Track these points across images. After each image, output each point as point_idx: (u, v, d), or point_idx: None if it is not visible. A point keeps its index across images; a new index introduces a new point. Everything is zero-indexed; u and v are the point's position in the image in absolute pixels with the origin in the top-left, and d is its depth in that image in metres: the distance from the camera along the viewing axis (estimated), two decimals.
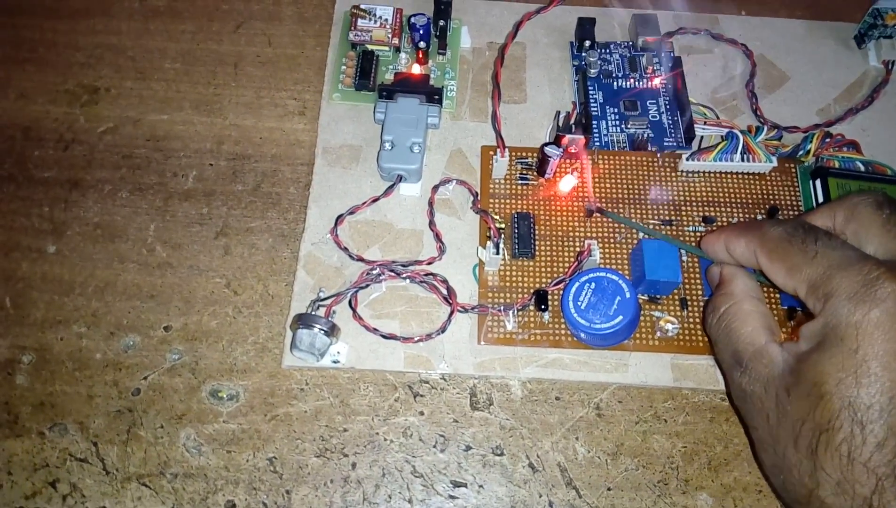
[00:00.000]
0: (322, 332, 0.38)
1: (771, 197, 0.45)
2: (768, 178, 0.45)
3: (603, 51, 0.50)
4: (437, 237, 0.43)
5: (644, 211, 0.44)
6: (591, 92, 0.48)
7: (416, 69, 0.48)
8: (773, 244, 0.31)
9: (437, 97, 0.46)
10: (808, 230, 0.31)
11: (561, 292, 0.40)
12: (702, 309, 0.41)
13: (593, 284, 0.39)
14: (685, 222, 0.44)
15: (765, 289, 0.40)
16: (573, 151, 0.44)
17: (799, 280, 0.30)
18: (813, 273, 0.29)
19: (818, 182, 0.44)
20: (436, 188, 0.45)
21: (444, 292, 0.41)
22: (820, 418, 0.27)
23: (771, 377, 0.30)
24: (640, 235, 0.43)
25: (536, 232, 0.43)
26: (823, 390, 0.27)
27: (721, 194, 0.45)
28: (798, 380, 0.28)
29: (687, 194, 0.45)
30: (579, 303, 0.39)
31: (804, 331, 0.29)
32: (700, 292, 0.42)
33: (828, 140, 0.46)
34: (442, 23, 0.48)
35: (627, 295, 0.39)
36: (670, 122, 0.47)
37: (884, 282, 0.26)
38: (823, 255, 0.29)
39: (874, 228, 0.30)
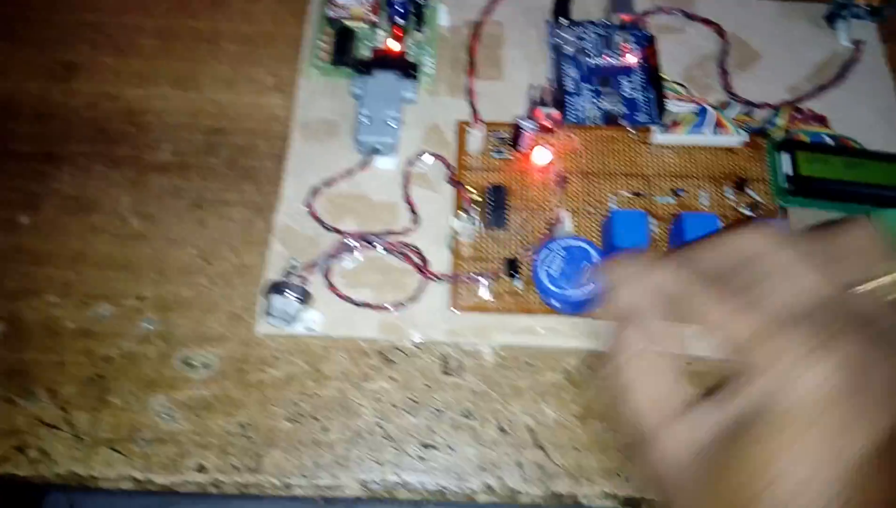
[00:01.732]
0: (295, 298, 0.38)
1: (740, 170, 0.45)
2: (738, 152, 0.46)
3: (579, 29, 0.50)
4: (412, 209, 0.44)
5: (616, 184, 0.45)
6: (566, 69, 0.49)
7: (394, 46, 0.48)
8: (706, 283, 0.25)
9: (413, 73, 0.46)
10: (739, 274, 0.25)
11: (533, 261, 0.41)
12: None
13: (565, 252, 0.40)
14: (655, 194, 0.44)
15: None
16: (547, 124, 0.45)
17: (723, 337, 0.24)
18: (740, 333, 0.23)
19: (787, 155, 0.44)
20: (411, 162, 0.45)
21: (418, 261, 0.42)
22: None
23: (682, 456, 0.24)
24: (611, 205, 0.44)
25: (510, 204, 0.44)
26: (744, 478, 0.22)
27: (692, 168, 0.45)
28: (717, 463, 0.23)
29: (658, 167, 0.45)
30: (550, 271, 0.39)
31: (720, 399, 0.24)
32: None
33: (797, 115, 0.47)
34: (420, 0, 0.49)
35: (594, 260, 0.39)
36: (643, 98, 0.48)
37: (818, 357, 0.22)
38: (761, 305, 0.24)
39: (795, 270, 0.25)
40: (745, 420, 0.23)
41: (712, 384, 0.24)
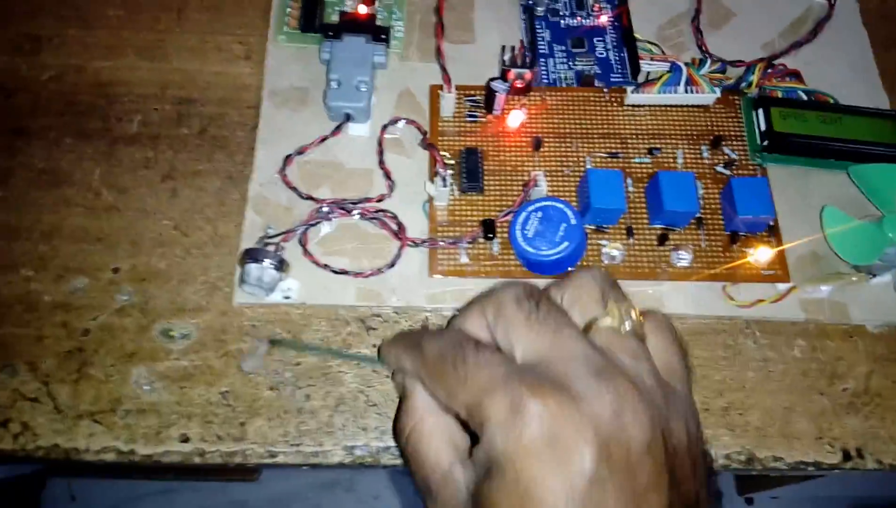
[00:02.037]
0: (271, 266, 0.38)
1: (715, 128, 0.45)
2: (712, 109, 0.46)
3: None
4: (387, 175, 0.43)
5: (591, 145, 0.45)
6: (538, 31, 0.49)
7: (363, 10, 0.48)
8: (431, 366, 0.28)
9: (383, 37, 0.46)
10: (458, 347, 0.28)
11: (509, 223, 0.41)
12: (643, 239, 0.42)
13: (540, 213, 0.40)
14: (632, 155, 0.44)
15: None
16: (520, 85, 0.44)
17: (457, 405, 0.27)
18: (466, 398, 0.26)
19: (761, 111, 0.45)
20: (385, 128, 0.45)
21: (394, 227, 0.42)
22: None
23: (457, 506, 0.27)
24: (587, 165, 0.44)
25: (485, 167, 0.44)
26: None
27: (666, 127, 0.45)
28: (481, 505, 0.26)
29: (633, 127, 0.45)
30: (526, 231, 0.39)
31: (475, 455, 0.27)
32: (646, 221, 0.42)
33: (770, 71, 0.47)
34: None
35: (573, 222, 0.39)
36: (616, 58, 0.48)
37: (529, 402, 0.25)
38: (472, 377, 0.26)
39: (519, 326, 0.28)
40: (487, 465, 0.25)
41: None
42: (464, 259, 0.41)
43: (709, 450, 0.39)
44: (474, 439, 0.27)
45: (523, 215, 0.40)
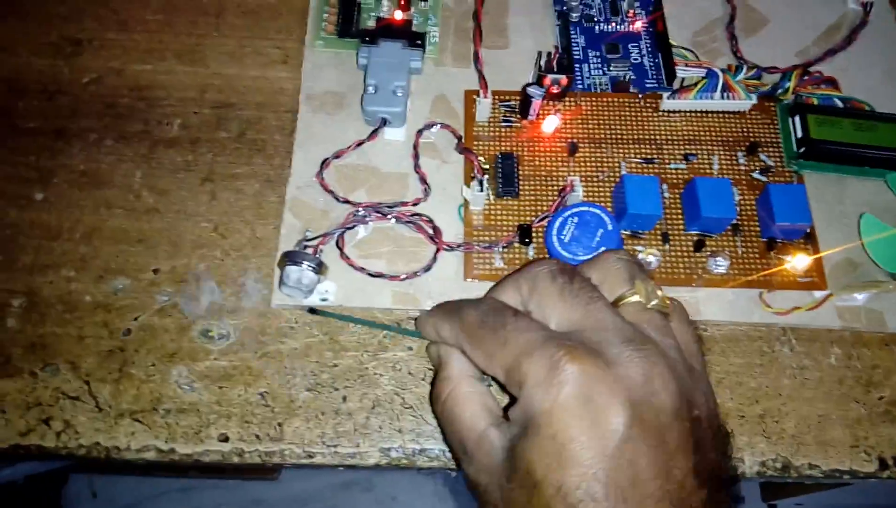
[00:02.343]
0: (310, 268, 0.38)
1: (751, 134, 0.45)
2: (748, 116, 0.46)
3: None
4: (423, 179, 0.44)
5: (626, 150, 0.45)
6: (573, 36, 0.49)
7: (399, 15, 0.48)
8: (471, 330, 0.30)
9: (419, 42, 0.46)
10: (498, 314, 0.30)
11: (545, 228, 0.41)
12: (679, 245, 0.42)
13: (576, 218, 0.40)
14: (667, 161, 0.44)
15: None
16: (555, 91, 0.45)
17: (496, 367, 0.29)
18: (505, 360, 0.28)
19: (797, 118, 0.45)
20: (420, 132, 0.45)
21: (430, 231, 0.42)
22: (538, 505, 0.27)
23: (493, 466, 0.29)
24: (623, 171, 0.44)
25: (520, 172, 0.44)
26: (536, 478, 0.26)
27: (702, 133, 0.45)
28: (514, 468, 0.27)
29: (668, 133, 0.45)
30: (562, 236, 0.39)
31: (511, 415, 0.29)
32: (681, 227, 0.42)
33: (806, 78, 0.47)
34: None
35: (610, 228, 0.39)
36: (651, 64, 0.48)
37: (566, 364, 0.26)
38: (512, 340, 0.28)
39: (553, 298, 0.30)
40: (524, 423, 0.27)
41: None
42: (499, 263, 0.41)
43: (725, 426, 0.39)
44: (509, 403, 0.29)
45: (560, 219, 0.40)
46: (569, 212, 0.40)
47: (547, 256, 0.41)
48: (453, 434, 0.31)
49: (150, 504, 1.06)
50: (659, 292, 0.31)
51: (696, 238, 0.42)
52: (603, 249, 0.39)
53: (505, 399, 0.35)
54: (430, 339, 0.34)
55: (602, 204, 0.42)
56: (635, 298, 0.30)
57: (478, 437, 0.29)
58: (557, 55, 0.45)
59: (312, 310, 0.39)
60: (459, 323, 0.31)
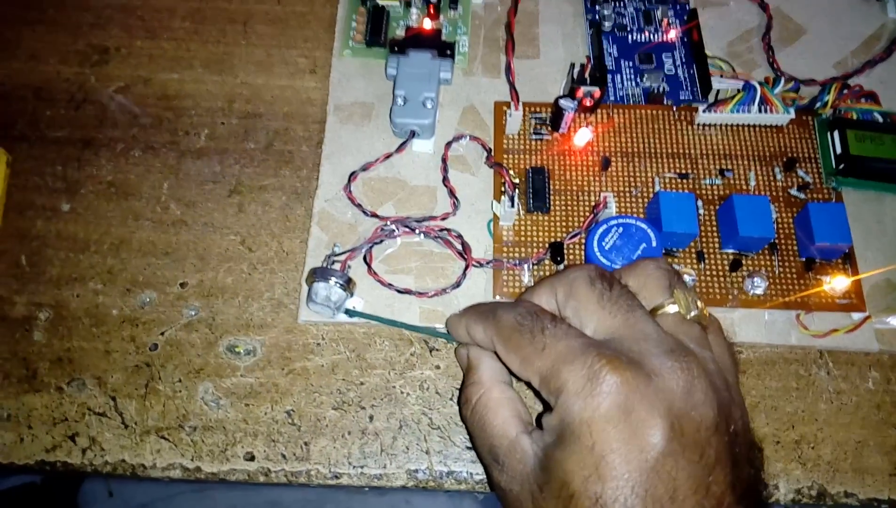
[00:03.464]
0: (338, 285, 0.38)
1: (788, 149, 0.44)
2: (786, 130, 0.45)
3: (617, 4, 0.49)
4: (451, 193, 0.43)
5: (659, 164, 0.44)
6: (605, 46, 0.48)
7: (428, 24, 0.47)
8: (507, 334, 0.30)
9: (448, 52, 0.46)
10: (536, 318, 0.29)
11: (576, 245, 0.40)
12: (715, 264, 0.41)
13: (621, 229, 0.39)
14: (702, 176, 0.43)
15: None
16: (588, 104, 0.44)
17: (531, 373, 0.28)
18: (542, 366, 0.28)
19: (836, 134, 0.43)
20: (449, 144, 0.44)
21: (459, 247, 0.41)
22: None
23: (525, 475, 0.28)
24: (656, 186, 0.43)
25: (551, 186, 0.43)
26: (572, 489, 0.26)
27: (738, 147, 0.44)
28: (548, 478, 0.27)
29: (703, 147, 0.44)
30: (604, 243, 0.39)
31: (545, 423, 0.28)
32: (717, 245, 0.41)
33: (845, 91, 0.45)
34: None
35: (654, 244, 0.38)
36: (686, 75, 0.47)
37: (607, 375, 0.26)
38: (550, 347, 0.28)
39: (591, 305, 0.29)
40: (560, 431, 0.27)
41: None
42: (528, 280, 0.41)
43: (757, 442, 0.38)
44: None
45: (604, 226, 0.39)
46: (615, 221, 0.39)
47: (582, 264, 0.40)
48: (483, 441, 0.31)
49: (166, 504, 1.06)
50: (699, 303, 0.30)
51: (732, 257, 0.41)
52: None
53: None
54: (461, 340, 0.34)
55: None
56: (674, 308, 0.30)
57: (510, 444, 0.29)
58: (590, 66, 0.44)
59: (348, 311, 0.39)
60: (495, 326, 0.31)
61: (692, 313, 0.30)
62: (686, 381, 0.26)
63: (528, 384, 0.29)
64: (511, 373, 0.31)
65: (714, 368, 0.28)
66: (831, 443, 0.39)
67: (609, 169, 0.43)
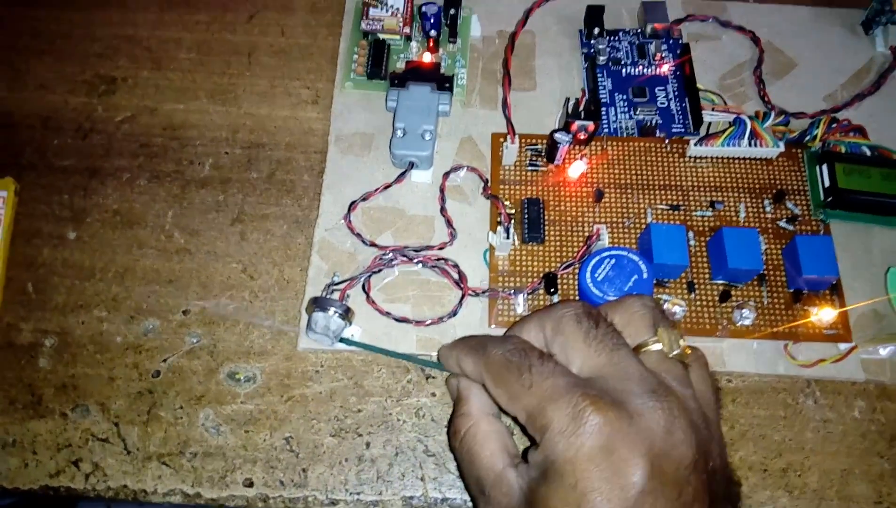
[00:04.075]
0: (337, 315, 0.39)
1: (778, 182, 0.45)
2: (775, 163, 0.46)
3: (612, 38, 0.50)
4: (449, 223, 0.44)
5: (652, 196, 0.45)
6: (600, 79, 0.49)
7: (427, 57, 0.49)
8: (495, 370, 0.31)
9: (447, 85, 0.47)
10: (524, 355, 0.30)
11: (569, 275, 0.41)
12: (705, 294, 0.42)
13: (613, 260, 0.40)
14: (693, 208, 0.44)
15: None
16: (582, 137, 0.45)
17: (518, 409, 0.29)
18: (529, 404, 0.28)
19: (825, 167, 0.44)
20: (447, 175, 0.45)
21: (456, 276, 0.42)
22: None
23: (512, 505, 0.29)
24: (649, 218, 0.44)
25: (546, 217, 0.44)
26: None
27: (729, 180, 0.45)
28: (535, 504, 0.28)
29: (695, 179, 0.45)
30: (597, 274, 0.40)
31: (531, 458, 0.29)
32: (707, 276, 0.42)
33: (834, 125, 0.46)
34: (452, 11, 0.49)
35: (645, 276, 0.39)
36: (678, 108, 0.48)
37: (590, 415, 0.27)
38: (537, 385, 0.29)
39: (577, 342, 0.30)
40: (544, 468, 0.27)
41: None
42: (523, 311, 0.42)
43: (735, 475, 0.39)
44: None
45: (597, 258, 0.40)
46: (607, 253, 0.40)
47: (577, 294, 0.41)
48: (471, 472, 0.31)
49: None
50: (681, 342, 0.31)
51: (721, 288, 0.42)
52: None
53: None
54: (452, 371, 0.35)
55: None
56: (658, 346, 0.31)
57: (496, 477, 0.30)
58: (584, 100, 0.45)
59: (342, 339, 0.40)
60: (484, 361, 0.31)
61: (675, 352, 0.30)
62: (666, 421, 0.27)
63: (515, 420, 0.30)
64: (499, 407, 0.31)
65: (694, 406, 0.29)
66: (818, 471, 0.39)
67: (603, 200, 0.44)
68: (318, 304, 0.39)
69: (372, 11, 0.49)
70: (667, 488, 0.26)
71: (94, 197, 0.45)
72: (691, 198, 0.45)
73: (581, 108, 0.45)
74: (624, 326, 0.32)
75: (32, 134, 0.47)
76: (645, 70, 0.49)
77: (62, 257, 0.43)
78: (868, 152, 0.45)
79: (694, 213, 0.44)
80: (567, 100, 0.45)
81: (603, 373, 0.29)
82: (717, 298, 0.42)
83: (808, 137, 0.46)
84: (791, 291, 0.42)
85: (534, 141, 0.46)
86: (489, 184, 0.45)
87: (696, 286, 0.42)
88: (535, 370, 0.29)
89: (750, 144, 0.45)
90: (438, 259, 0.43)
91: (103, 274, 0.43)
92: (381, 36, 0.49)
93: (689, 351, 0.32)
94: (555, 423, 0.27)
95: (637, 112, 0.48)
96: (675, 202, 0.45)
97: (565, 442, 0.27)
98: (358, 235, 0.43)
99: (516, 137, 0.44)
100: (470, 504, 0.38)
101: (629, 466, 0.26)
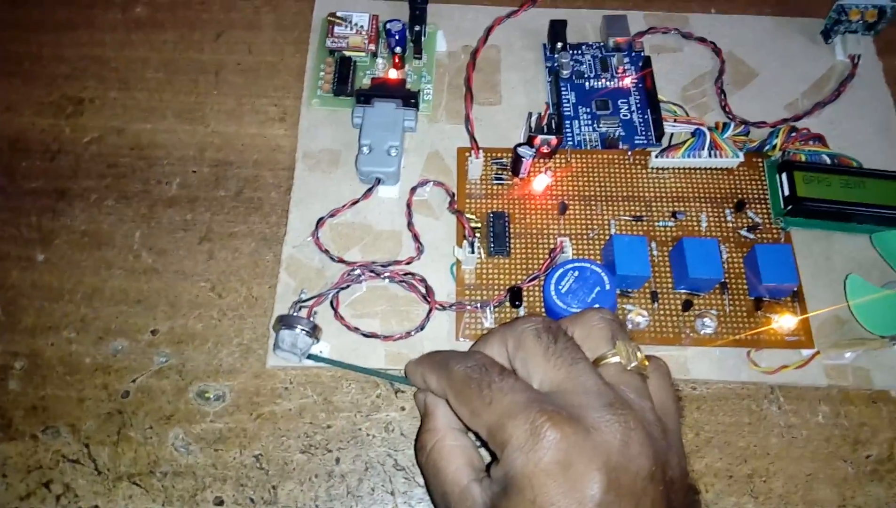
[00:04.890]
0: (304, 332, 0.39)
1: (739, 191, 0.46)
2: (736, 172, 0.47)
3: (575, 52, 0.51)
4: (416, 238, 0.45)
5: (616, 207, 0.45)
6: (563, 92, 0.50)
7: (393, 74, 0.49)
8: (457, 387, 0.31)
9: (413, 101, 0.47)
10: (485, 371, 0.31)
11: (534, 288, 0.42)
12: (668, 303, 0.43)
13: (577, 272, 0.41)
14: (655, 218, 0.45)
15: None
16: (545, 151, 0.45)
17: (479, 425, 0.29)
18: (489, 420, 0.29)
19: (784, 176, 0.45)
20: (413, 190, 0.46)
21: (423, 290, 0.43)
22: None
23: None
24: (612, 229, 0.44)
25: (511, 230, 0.45)
26: None
27: (690, 190, 0.46)
28: None
29: (657, 190, 0.46)
30: (560, 287, 0.40)
31: (493, 473, 0.29)
32: (670, 285, 0.43)
33: (794, 134, 0.47)
34: (417, 28, 0.50)
35: (607, 287, 0.40)
36: (641, 120, 0.49)
37: (548, 430, 0.27)
38: (497, 401, 0.29)
39: (537, 357, 0.31)
40: (505, 483, 0.28)
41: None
42: (490, 324, 0.42)
43: (696, 485, 0.39)
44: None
45: (561, 270, 0.41)
46: (570, 265, 0.41)
47: (542, 306, 0.41)
48: (436, 487, 0.32)
49: None
50: (639, 354, 0.32)
51: (684, 297, 0.43)
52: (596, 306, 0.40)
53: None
54: (418, 386, 0.35)
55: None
56: (616, 359, 0.31)
57: (461, 491, 0.31)
58: (547, 114, 0.46)
59: (310, 356, 0.40)
60: (447, 377, 0.32)
61: (632, 364, 0.31)
62: (623, 434, 0.28)
63: (477, 436, 0.30)
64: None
65: (652, 418, 0.30)
66: (783, 476, 0.40)
67: (567, 213, 0.45)
68: (285, 322, 0.39)
69: (337, 29, 0.49)
70: (624, 500, 0.27)
71: (62, 218, 0.45)
72: (654, 209, 0.45)
73: (544, 122, 0.45)
74: (583, 339, 0.32)
75: (0, 157, 0.47)
76: (608, 83, 0.50)
77: (31, 279, 0.44)
78: (828, 161, 0.46)
79: (656, 223, 0.45)
80: (529, 115, 0.46)
81: (562, 388, 0.30)
82: (680, 307, 0.42)
83: (768, 147, 0.47)
84: (753, 299, 0.43)
85: (499, 155, 0.47)
86: (455, 198, 0.46)
87: (660, 296, 0.43)
88: (495, 387, 0.30)
89: (710, 155, 0.46)
90: (406, 274, 0.43)
91: (72, 295, 0.43)
92: (347, 53, 0.50)
93: (648, 362, 0.32)
94: (514, 439, 0.28)
95: (600, 125, 0.49)
96: (637, 213, 0.45)
97: (524, 458, 0.27)
98: (326, 251, 0.44)
99: (480, 151, 0.45)
100: None
101: (586, 480, 0.27)
